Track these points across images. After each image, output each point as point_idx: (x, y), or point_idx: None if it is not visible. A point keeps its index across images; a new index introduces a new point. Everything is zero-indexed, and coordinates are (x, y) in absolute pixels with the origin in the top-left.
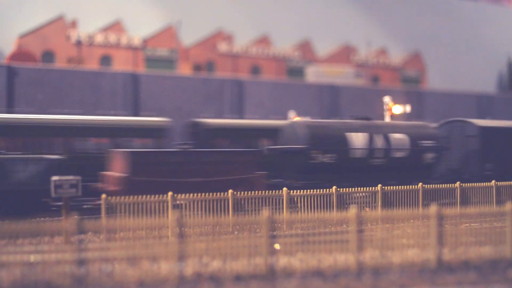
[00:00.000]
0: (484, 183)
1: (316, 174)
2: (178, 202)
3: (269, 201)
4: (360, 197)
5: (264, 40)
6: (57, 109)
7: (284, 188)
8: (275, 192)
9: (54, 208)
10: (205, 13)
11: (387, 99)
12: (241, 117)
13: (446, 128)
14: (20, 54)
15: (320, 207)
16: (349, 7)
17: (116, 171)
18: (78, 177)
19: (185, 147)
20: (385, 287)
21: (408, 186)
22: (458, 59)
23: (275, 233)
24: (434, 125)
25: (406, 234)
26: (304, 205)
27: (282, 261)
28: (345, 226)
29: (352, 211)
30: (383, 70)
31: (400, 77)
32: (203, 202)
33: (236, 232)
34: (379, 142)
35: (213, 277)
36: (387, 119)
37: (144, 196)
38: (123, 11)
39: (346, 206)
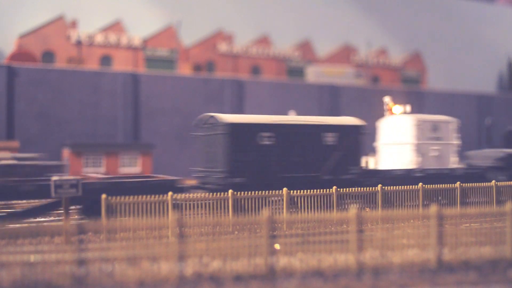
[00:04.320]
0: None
1: None
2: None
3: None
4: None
5: (264, 40)
6: None
7: (284, 188)
8: (275, 192)
9: None
10: (205, 13)
11: (387, 99)
12: None
13: None
14: (20, 54)
15: (320, 207)
16: (349, 7)
17: None
18: (78, 177)
19: None
20: (385, 287)
21: (408, 186)
22: (458, 59)
23: (275, 233)
24: None
25: (406, 234)
26: (304, 205)
27: (282, 261)
28: (345, 226)
29: (352, 211)
30: (383, 70)
31: (400, 77)
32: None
33: (236, 232)
34: None
35: (213, 277)
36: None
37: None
38: (123, 11)
39: (346, 206)
